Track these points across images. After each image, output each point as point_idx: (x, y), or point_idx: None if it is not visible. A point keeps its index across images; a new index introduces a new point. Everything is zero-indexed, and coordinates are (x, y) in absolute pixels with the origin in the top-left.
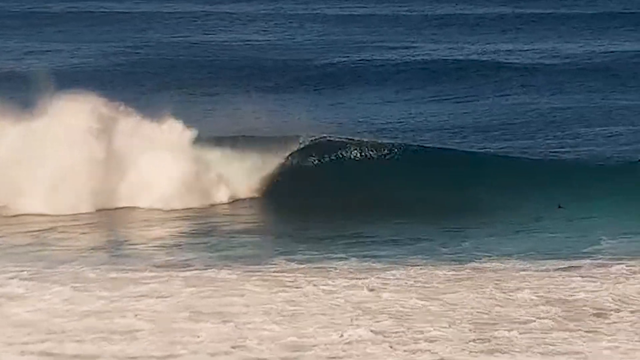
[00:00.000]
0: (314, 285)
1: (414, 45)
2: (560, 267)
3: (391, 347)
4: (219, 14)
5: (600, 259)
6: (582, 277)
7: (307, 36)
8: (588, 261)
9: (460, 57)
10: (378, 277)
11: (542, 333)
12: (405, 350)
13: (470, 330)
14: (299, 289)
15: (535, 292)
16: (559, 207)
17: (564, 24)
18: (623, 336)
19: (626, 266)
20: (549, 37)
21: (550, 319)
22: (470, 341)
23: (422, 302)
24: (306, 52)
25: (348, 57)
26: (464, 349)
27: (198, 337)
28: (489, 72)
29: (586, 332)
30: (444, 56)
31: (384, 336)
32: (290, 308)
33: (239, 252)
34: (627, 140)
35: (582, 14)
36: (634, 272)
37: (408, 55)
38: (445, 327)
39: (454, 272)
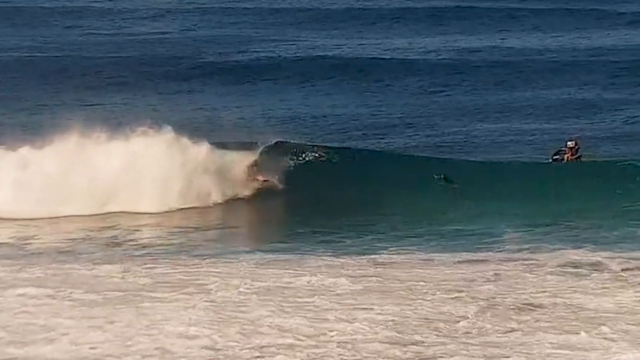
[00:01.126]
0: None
1: (303, 40)
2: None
3: None
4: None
5: (503, 251)
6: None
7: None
8: (490, 254)
9: (362, 54)
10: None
11: (466, 331)
12: None
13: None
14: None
15: (438, 285)
16: (443, 178)
17: (467, 19)
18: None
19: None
20: (450, 33)
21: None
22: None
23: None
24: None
25: (236, 52)
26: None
27: None
28: (388, 69)
29: (507, 331)
30: (344, 53)
31: None
32: None
33: None
34: (533, 138)
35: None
36: (539, 266)
37: (304, 50)
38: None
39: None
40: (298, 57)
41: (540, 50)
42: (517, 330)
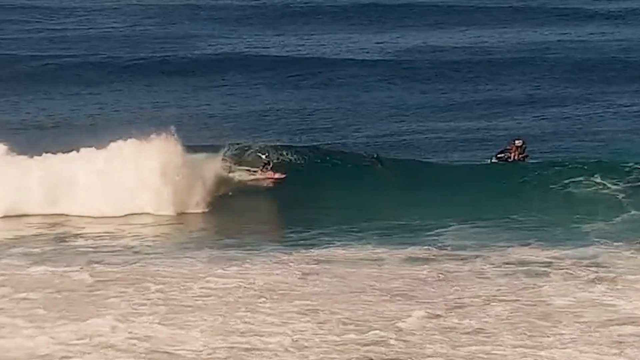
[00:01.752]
0: None
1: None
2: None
3: None
4: None
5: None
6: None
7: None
8: (436, 251)
9: (305, 53)
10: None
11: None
12: None
13: None
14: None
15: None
16: (375, 158)
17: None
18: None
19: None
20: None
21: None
22: None
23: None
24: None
25: (176, 49)
26: None
27: None
28: (331, 67)
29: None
30: (285, 51)
31: None
32: None
33: None
34: (476, 136)
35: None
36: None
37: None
38: None
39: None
40: (238, 54)
41: (481, 48)
42: (467, 331)
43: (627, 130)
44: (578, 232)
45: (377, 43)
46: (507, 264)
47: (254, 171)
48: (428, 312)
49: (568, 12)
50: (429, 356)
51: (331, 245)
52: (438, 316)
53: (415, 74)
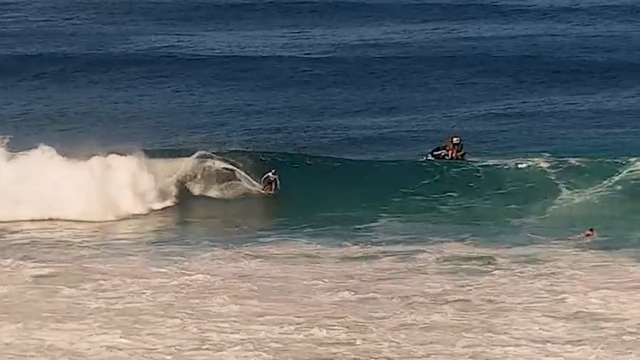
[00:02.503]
0: None
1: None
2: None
3: None
4: None
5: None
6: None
7: None
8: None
9: (237, 51)
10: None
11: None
12: None
13: None
14: None
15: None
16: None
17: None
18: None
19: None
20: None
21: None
22: None
23: None
24: None
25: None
26: None
27: None
28: (261, 66)
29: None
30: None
31: None
32: None
33: None
34: (409, 134)
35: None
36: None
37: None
38: None
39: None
40: (173, 51)
41: (409, 44)
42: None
43: (562, 126)
44: (513, 226)
45: (308, 39)
46: (445, 260)
47: (254, 183)
48: (374, 312)
49: (502, 9)
50: (384, 357)
51: (267, 242)
52: (387, 317)
53: (348, 70)
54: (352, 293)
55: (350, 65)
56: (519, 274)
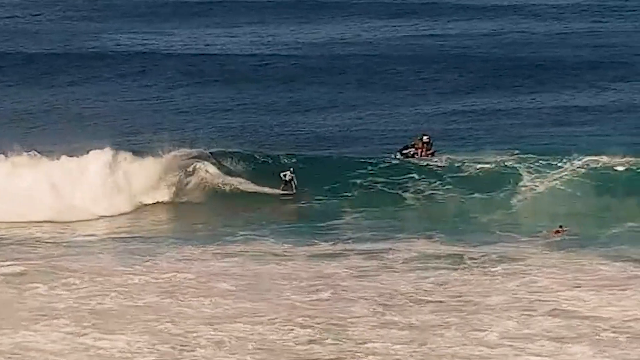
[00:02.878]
0: None
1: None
2: None
3: None
4: None
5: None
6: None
7: None
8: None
9: (203, 50)
10: None
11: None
12: None
13: None
14: None
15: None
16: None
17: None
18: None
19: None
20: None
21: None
22: None
23: None
24: None
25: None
26: None
27: None
28: (230, 64)
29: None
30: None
31: None
32: None
33: None
34: (375, 133)
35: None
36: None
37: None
38: None
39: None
40: (138, 49)
41: (375, 41)
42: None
43: (528, 123)
44: (481, 224)
45: (273, 37)
46: (414, 259)
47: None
48: (359, 311)
49: (468, 6)
50: (368, 354)
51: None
52: (368, 315)
53: (314, 68)
54: (327, 292)
55: (316, 63)
56: (490, 273)
